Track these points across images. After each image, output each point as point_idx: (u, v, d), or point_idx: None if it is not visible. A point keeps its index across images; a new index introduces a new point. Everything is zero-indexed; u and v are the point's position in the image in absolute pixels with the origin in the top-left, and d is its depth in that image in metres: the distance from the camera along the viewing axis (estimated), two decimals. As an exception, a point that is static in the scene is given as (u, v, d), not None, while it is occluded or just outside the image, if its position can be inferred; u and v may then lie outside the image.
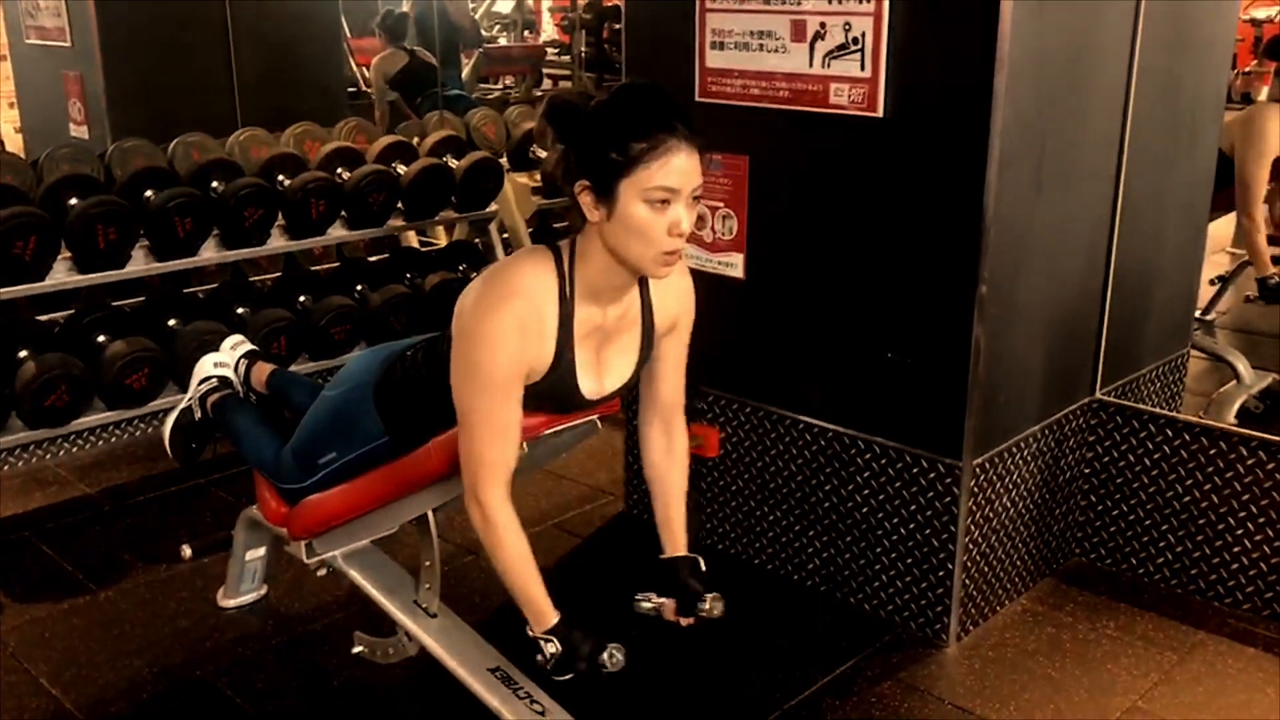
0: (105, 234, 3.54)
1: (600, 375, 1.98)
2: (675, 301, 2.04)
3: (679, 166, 1.75)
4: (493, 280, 1.87)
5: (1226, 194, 3.94)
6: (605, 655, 1.90)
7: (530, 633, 1.93)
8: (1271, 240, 4.25)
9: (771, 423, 2.94)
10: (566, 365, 1.90)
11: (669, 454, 2.16)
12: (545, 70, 9.75)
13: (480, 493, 1.89)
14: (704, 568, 2.10)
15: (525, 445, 2.03)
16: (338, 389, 2.26)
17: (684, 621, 2.06)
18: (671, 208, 1.77)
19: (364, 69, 7.39)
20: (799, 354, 2.87)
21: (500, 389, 1.85)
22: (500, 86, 9.26)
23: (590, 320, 1.91)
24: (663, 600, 2.06)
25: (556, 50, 10.15)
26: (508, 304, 1.83)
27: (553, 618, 1.92)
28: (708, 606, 2.03)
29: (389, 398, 2.14)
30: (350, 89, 6.90)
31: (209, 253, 3.88)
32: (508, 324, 1.82)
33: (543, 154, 4.99)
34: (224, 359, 2.85)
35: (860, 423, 2.76)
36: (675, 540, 2.12)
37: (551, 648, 1.90)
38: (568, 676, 1.91)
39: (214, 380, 2.81)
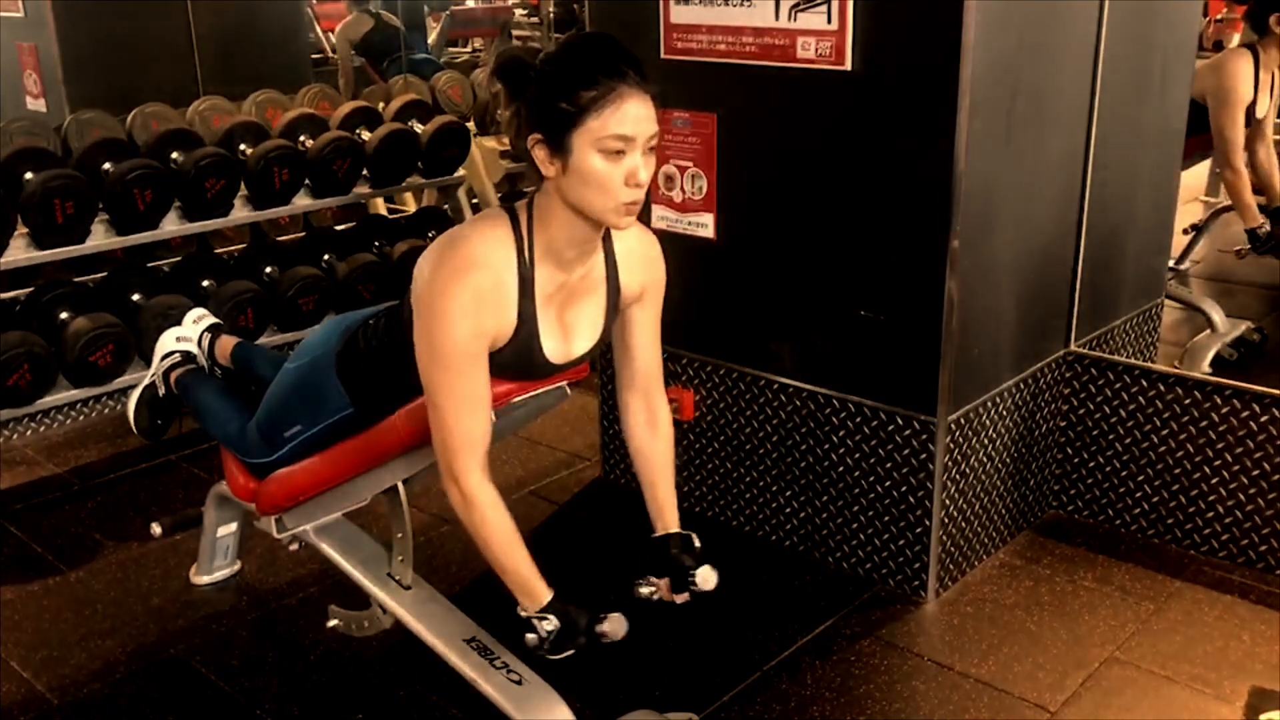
0: (63, 208, 3.47)
1: (567, 338, 1.94)
2: (643, 270, 2.00)
3: (632, 114, 1.71)
4: (447, 252, 1.81)
5: (1198, 141, 3.92)
6: (605, 626, 1.84)
7: (522, 613, 1.87)
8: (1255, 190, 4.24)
9: (746, 384, 2.92)
10: (529, 330, 1.86)
11: (652, 428, 2.10)
12: (515, 33, 9.62)
13: (457, 472, 1.83)
14: (698, 543, 2.06)
15: (494, 414, 2.00)
16: (299, 360, 2.22)
17: (679, 599, 2.02)
18: (627, 157, 1.72)
19: (329, 34, 7.26)
20: (772, 314, 2.84)
21: (464, 363, 1.81)
22: (469, 50, 9.13)
23: (552, 282, 1.87)
24: (659, 582, 2.02)
25: (525, 12, 10.00)
26: (463, 277, 1.78)
27: (546, 595, 1.86)
28: (699, 579, 1.98)
29: (352, 368, 2.11)
30: (315, 55, 6.78)
31: (171, 225, 3.82)
32: (464, 298, 1.77)
33: (505, 127, 4.94)
34: (187, 333, 2.80)
35: (835, 382, 2.74)
36: (665, 517, 2.08)
37: (548, 625, 1.83)
38: (565, 654, 1.85)
39: (177, 355, 2.76)
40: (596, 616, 1.85)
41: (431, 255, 1.83)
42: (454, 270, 1.79)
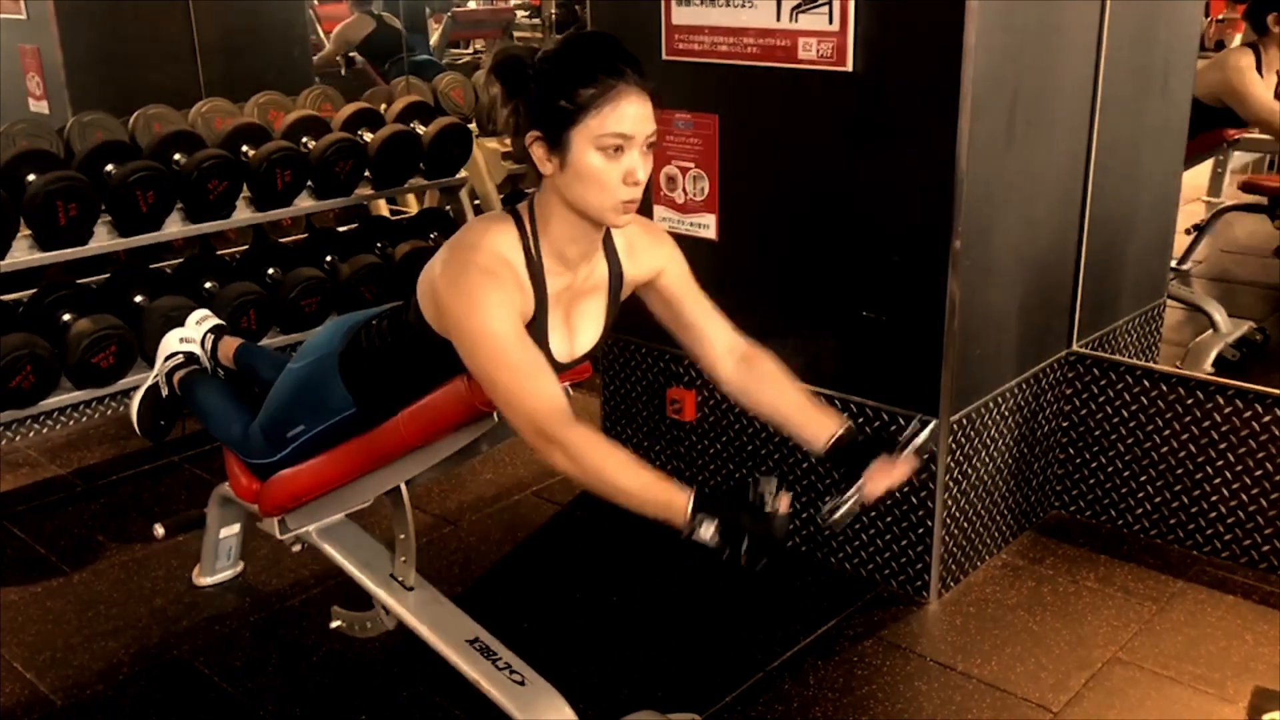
0: (66, 210, 3.47)
1: (571, 337, 1.95)
2: (648, 251, 1.98)
3: (630, 112, 1.71)
4: (467, 254, 1.80)
5: (1200, 141, 3.92)
6: (763, 491, 1.65)
7: (683, 532, 1.68)
8: (1250, 189, 4.24)
9: (748, 384, 2.92)
10: (540, 328, 1.87)
11: (749, 366, 1.98)
12: (516, 34, 9.62)
13: (554, 435, 1.72)
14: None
15: (497, 414, 2.00)
16: (302, 361, 2.22)
17: (901, 472, 1.83)
18: (625, 155, 1.72)
19: (331, 36, 7.26)
20: (774, 315, 2.84)
21: (515, 343, 1.76)
22: (470, 51, 9.13)
23: (560, 282, 1.88)
24: (850, 494, 1.83)
25: (527, 13, 10.01)
26: (491, 274, 1.77)
27: (687, 498, 1.69)
28: (908, 434, 1.83)
29: (355, 368, 2.11)
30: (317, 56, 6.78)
31: (173, 227, 3.82)
32: (495, 290, 1.76)
33: (504, 127, 4.95)
34: (190, 334, 2.81)
35: (837, 382, 2.74)
36: (820, 425, 1.92)
37: (707, 531, 1.65)
38: (744, 544, 1.65)
39: (180, 356, 2.77)
40: (744, 485, 1.67)
41: (450, 264, 1.80)
42: (481, 270, 1.77)
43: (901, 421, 2.63)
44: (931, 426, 1.90)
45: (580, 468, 1.74)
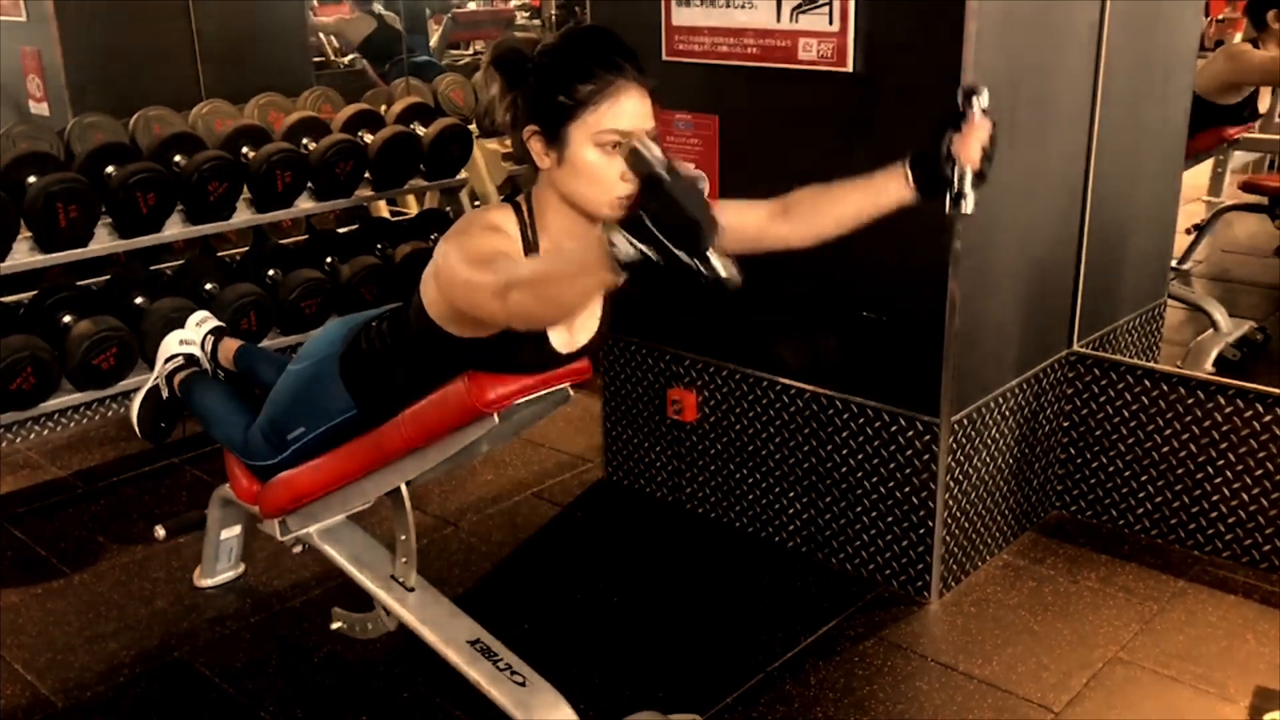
0: (66, 212, 3.47)
1: (570, 328, 1.95)
2: None
3: (629, 109, 1.71)
4: (470, 221, 1.81)
5: (1200, 140, 3.93)
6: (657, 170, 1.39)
7: (617, 256, 1.38)
8: (1250, 189, 4.24)
9: (749, 385, 2.92)
10: None
11: (805, 211, 1.97)
12: (516, 34, 9.63)
13: (497, 287, 1.58)
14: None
15: (498, 416, 2.00)
16: (302, 362, 2.22)
17: (980, 130, 1.81)
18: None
19: (332, 38, 7.27)
20: (775, 315, 2.84)
21: (490, 255, 1.68)
22: (471, 52, 9.14)
23: None
24: (956, 179, 1.81)
25: (527, 14, 10.01)
26: (481, 219, 1.78)
27: (601, 230, 1.45)
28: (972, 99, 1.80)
29: (356, 370, 2.11)
30: (317, 58, 6.79)
31: (173, 229, 3.82)
32: (485, 231, 1.76)
33: (502, 120, 4.96)
34: (190, 336, 2.81)
35: (838, 383, 2.74)
36: (884, 177, 1.90)
37: (620, 239, 1.37)
38: (653, 228, 1.36)
39: (180, 358, 2.77)
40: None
41: (451, 232, 1.80)
42: (483, 226, 1.78)
43: (902, 422, 2.63)
44: (978, 88, 1.84)
45: (519, 295, 1.55)
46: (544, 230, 1.84)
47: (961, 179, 1.83)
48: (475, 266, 1.67)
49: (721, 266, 1.39)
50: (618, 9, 2.92)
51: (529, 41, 1.81)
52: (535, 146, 1.77)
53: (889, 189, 1.90)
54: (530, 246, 1.83)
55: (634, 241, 1.36)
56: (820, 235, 1.98)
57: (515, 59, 1.78)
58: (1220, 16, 6.06)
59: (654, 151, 1.40)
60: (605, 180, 1.73)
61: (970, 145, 1.83)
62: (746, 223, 1.98)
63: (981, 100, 1.84)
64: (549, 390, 2.07)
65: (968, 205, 1.84)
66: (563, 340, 1.94)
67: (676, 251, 1.35)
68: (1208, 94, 3.93)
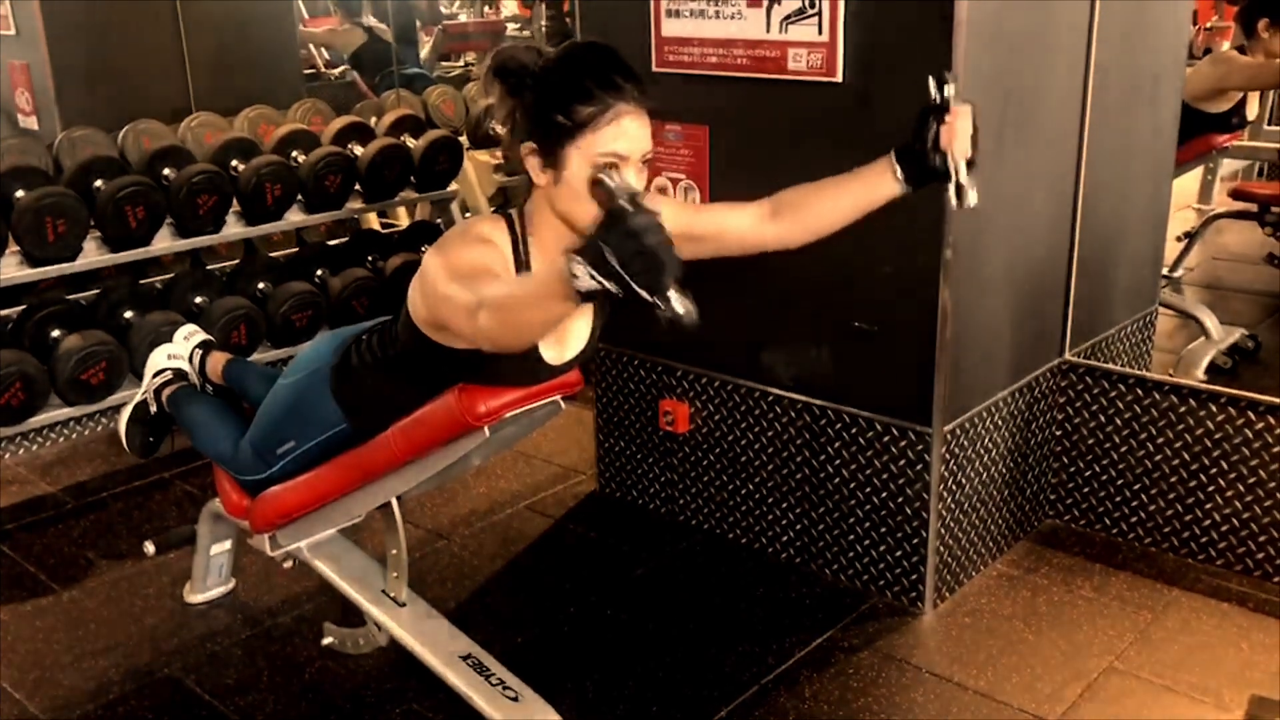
0: (55, 226, 3.46)
1: (561, 340, 1.95)
2: None
3: (628, 132, 1.71)
4: (459, 230, 1.81)
5: (1190, 148, 3.94)
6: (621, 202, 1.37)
7: (577, 287, 1.37)
8: (1240, 196, 4.26)
9: (741, 396, 2.91)
10: None
11: (795, 208, 1.96)
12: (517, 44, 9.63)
13: (473, 311, 1.58)
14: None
15: (488, 429, 1.99)
16: (293, 376, 2.21)
17: (962, 119, 1.80)
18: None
19: (322, 50, 7.27)
20: (767, 326, 2.83)
21: (473, 271, 1.67)
22: (461, 64, 9.15)
23: None
24: (949, 172, 1.82)
25: (518, 25, 10.03)
26: (470, 230, 1.78)
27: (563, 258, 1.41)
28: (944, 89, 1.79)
29: (346, 383, 2.10)
30: (307, 70, 6.79)
31: (163, 242, 3.81)
32: (474, 242, 1.77)
33: (500, 130, 4.96)
34: (178, 350, 2.80)
35: (830, 393, 2.74)
36: (871, 171, 1.90)
37: (580, 268, 1.36)
38: (612, 255, 1.34)
39: (168, 373, 2.76)
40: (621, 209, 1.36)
41: (439, 242, 1.80)
42: (473, 238, 1.77)
43: (895, 433, 2.63)
44: (947, 76, 1.82)
45: (492, 316, 1.56)
46: (538, 242, 1.84)
47: (958, 171, 1.81)
48: (455, 281, 1.68)
49: (679, 304, 1.38)
50: (608, 20, 2.92)
51: (530, 48, 1.80)
52: (532, 163, 1.77)
53: (878, 184, 1.89)
54: (520, 258, 1.83)
55: (594, 274, 1.34)
56: (811, 234, 1.98)
57: (516, 69, 1.77)
58: (1209, 24, 6.09)
59: (619, 182, 1.39)
60: None
61: (958, 134, 1.80)
62: (734, 225, 1.98)
63: (949, 89, 1.81)
64: (539, 403, 2.06)
65: (971, 198, 1.81)
66: (553, 352, 1.94)
67: (635, 287, 1.34)
68: (1196, 101, 3.94)
